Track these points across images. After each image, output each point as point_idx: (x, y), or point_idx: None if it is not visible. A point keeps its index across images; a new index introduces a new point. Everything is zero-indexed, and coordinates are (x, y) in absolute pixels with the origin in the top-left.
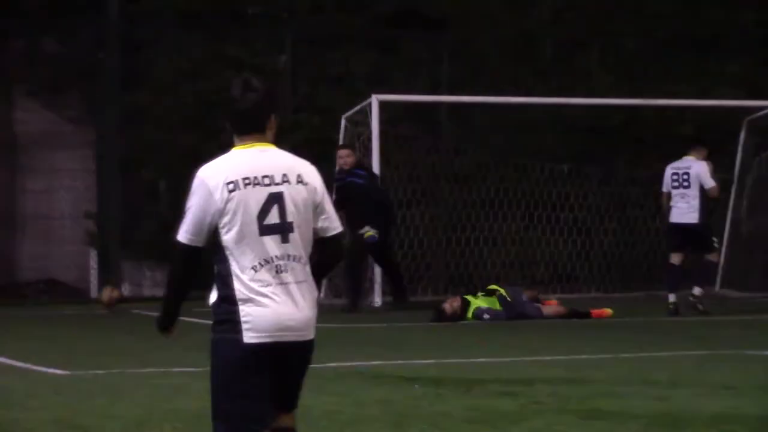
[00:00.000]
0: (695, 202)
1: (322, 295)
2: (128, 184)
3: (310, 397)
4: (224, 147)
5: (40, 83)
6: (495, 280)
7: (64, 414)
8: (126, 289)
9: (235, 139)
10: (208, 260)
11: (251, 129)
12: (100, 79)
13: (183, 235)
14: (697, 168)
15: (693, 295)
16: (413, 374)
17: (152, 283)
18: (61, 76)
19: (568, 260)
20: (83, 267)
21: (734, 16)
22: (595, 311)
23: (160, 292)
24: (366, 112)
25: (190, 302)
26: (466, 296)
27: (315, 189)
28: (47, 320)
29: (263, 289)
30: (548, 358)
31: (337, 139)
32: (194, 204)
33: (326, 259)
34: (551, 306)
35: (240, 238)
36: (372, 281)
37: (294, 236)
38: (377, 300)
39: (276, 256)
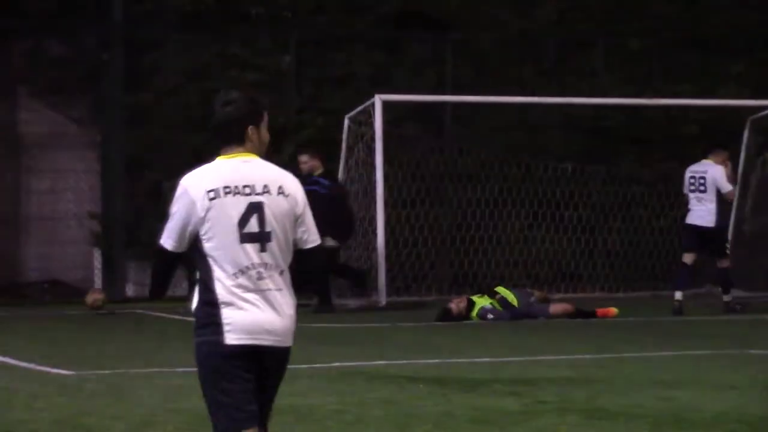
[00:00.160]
0: (711, 206)
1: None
2: (133, 184)
3: (314, 397)
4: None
5: (45, 84)
6: (499, 280)
7: (68, 414)
8: (130, 290)
9: (221, 149)
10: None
11: (230, 140)
12: (104, 80)
13: (165, 240)
14: (713, 172)
15: (726, 303)
16: (417, 374)
17: None
18: (65, 77)
19: (572, 259)
20: (87, 267)
21: (738, 16)
22: (600, 310)
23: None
24: (369, 113)
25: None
26: (471, 297)
27: (296, 201)
28: (51, 321)
29: (244, 294)
30: (552, 357)
31: (341, 140)
32: (177, 212)
33: (303, 269)
34: (559, 305)
35: (221, 246)
36: (375, 280)
37: (272, 245)
38: (381, 300)
39: (255, 264)
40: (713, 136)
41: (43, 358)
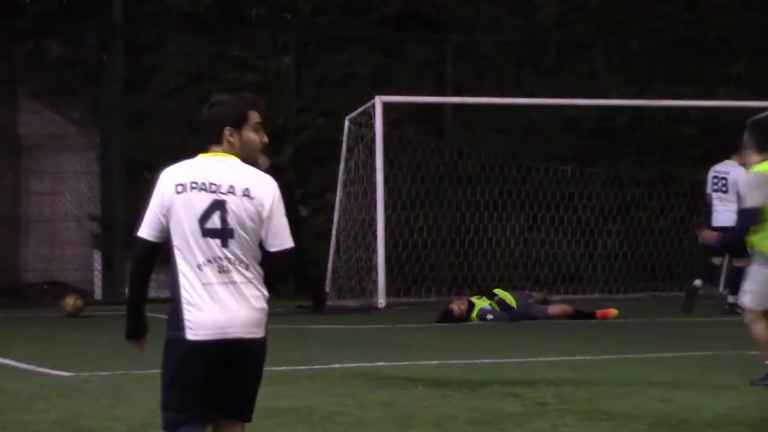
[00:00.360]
0: (733, 206)
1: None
2: (132, 185)
3: (314, 399)
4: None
5: (45, 85)
6: (499, 282)
7: (68, 416)
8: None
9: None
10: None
11: (209, 141)
12: (104, 81)
13: (141, 230)
14: (735, 173)
15: (729, 304)
16: (417, 375)
17: (156, 284)
18: (65, 79)
19: (572, 261)
20: (88, 269)
21: (738, 17)
22: (600, 312)
23: (164, 294)
24: (370, 114)
25: None
26: (470, 298)
27: (262, 204)
28: (51, 322)
29: (205, 288)
30: (552, 359)
31: (341, 141)
32: (152, 202)
33: (271, 271)
34: (558, 306)
35: (184, 238)
36: (375, 282)
37: (234, 242)
38: (381, 301)
39: (218, 257)
40: (713, 137)
41: (44, 360)
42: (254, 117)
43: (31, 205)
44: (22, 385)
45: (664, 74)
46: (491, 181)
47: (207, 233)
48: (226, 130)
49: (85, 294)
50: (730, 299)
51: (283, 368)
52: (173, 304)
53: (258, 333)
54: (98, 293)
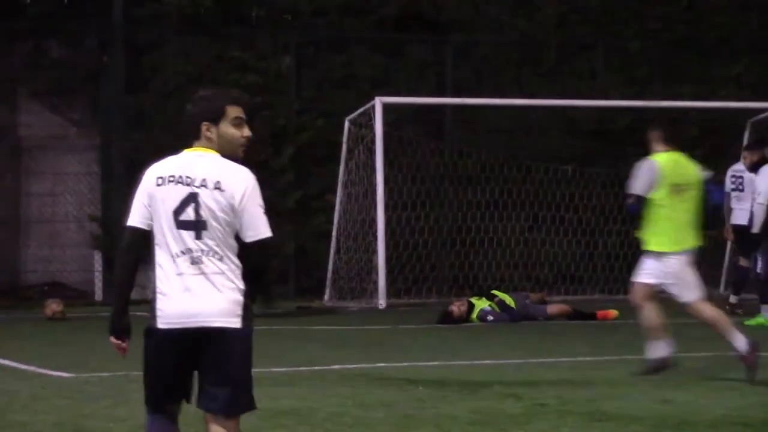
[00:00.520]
0: (748, 205)
1: (327, 297)
2: (132, 186)
3: (314, 400)
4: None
5: (45, 86)
6: (500, 282)
7: (69, 417)
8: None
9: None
10: None
11: (189, 136)
12: (104, 82)
13: (131, 219)
14: (749, 173)
15: (729, 304)
16: (417, 376)
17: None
18: (65, 80)
19: (572, 261)
20: (88, 270)
21: (738, 18)
22: (600, 312)
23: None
24: (370, 115)
25: None
26: (471, 299)
27: (233, 195)
28: (52, 323)
29: (178, 278)
30: (553, 360)
31: (341, 142)
32: (137, 194)
33: (249, 264)
34: (556, 305)
35: (161, 230)
36: (376, 283)
37: (208, 233)
38: (381, 302)
39: (192, 249)
40: (714, 138)
41: (44, 361)
42: (233, 112)
43: (32, 206)
44: (23, 386)
45: (664, 75)
46: (491, 181)
47: (181, 225)
48: (204, 125)
49: (86, 295)
50: (732, 299)
51: (284, 369)
52: (152, 294)
53: (231, 323)
54: (98, 294)
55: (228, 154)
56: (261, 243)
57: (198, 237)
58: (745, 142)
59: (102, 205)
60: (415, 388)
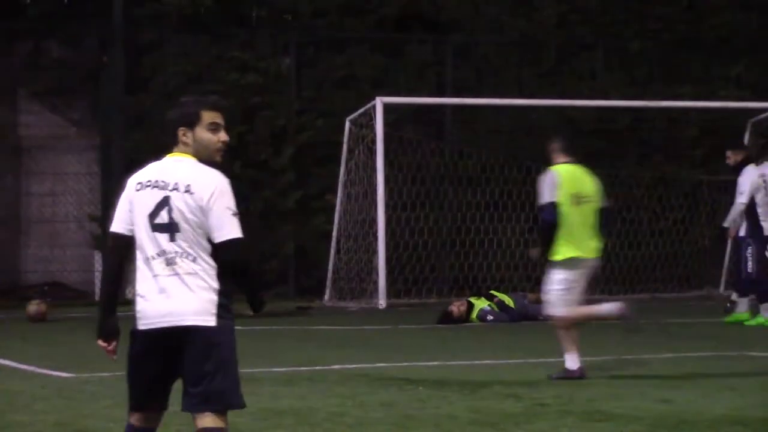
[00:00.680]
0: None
1: (327, 297)
2: None
3: (314, 400)
4: (227, 150)
5: (45, 86)
6: (500, 282)
7: (68, 417)
8: (130, 292)
9: None
10: None
11: (170, 141)
12: (104, 82)
13: (114, 225)
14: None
15: (731, 301)
16: (418, 376)
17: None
18: (65, 80)
19: None
20: (88, 269)
21: (738, 18)
22: None
23: None
24: (370, 115)
25: None
26: (470, 299)
27: (202, 197)
28: (52, 323)
29: (154, 280)
30: (552, 359)
31: (342, 142)
32: (120, 201)
33: (221, 265)
34: None
35: (139, 233)
36: (376, 283)
37: (181, 235)
38: (381, 302)
39: (166, 251)
40: (714, 138)
41: (44, 361)
42: (209, 117)
43: (32, 206)
44: (23, 386)
45: (663, 75)
46: (491, 181)
47: (156, 228)
48: (180, 131)
49: (86, 295)
50: (734, 297)
51: (283, 369)
52: (134, 296)
53: (205, 322)
54: (98, 294)
55: (204, 158)
56: (228, 244)
57: (172, 239)
58: (746, 142)
59: (102, 205)
60: (415, 388)
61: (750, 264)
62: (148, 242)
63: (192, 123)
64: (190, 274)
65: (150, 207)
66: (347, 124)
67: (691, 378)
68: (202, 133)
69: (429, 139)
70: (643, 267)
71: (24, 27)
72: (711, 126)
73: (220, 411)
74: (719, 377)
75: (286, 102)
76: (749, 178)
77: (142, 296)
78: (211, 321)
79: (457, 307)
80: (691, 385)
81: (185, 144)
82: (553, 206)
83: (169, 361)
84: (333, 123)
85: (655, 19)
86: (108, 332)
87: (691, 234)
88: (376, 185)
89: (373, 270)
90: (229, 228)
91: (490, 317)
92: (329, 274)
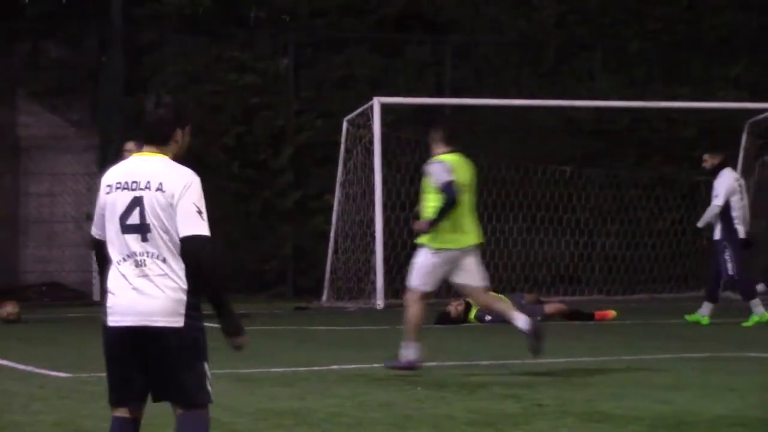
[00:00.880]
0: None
1: (325, 298)
2: None
3: (312, 400)
4: (226, 150)
5: (44, 86)
6: (498, 283)
7: (66, 417)
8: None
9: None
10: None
11: (151, 140)
12: (103, 82)
13: (92, 229)
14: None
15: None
16: (416, 377)
17: None
18: (65, 80)
19: (570, 262)
20: (86, 270)
21: (737, 19)
22: (598, 313)
23: None
24: (368, 115)
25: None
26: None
27: (172, 195)
28: (50, 323)
29: (124, 280)
30: (551, 360)
31: (340, 142)
32: (97, 202)
33: (185, 261)
34: (553, 304)
35: (110, 234)
36: (374, 283)
37: (152, 236)
38: (379, 302)
39: (136, 252)
40: (712, 139)
41: (42, 361)
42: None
43: (30, 206)
44: (21, 386)
45: (663, 76)
46: (489, 182)
47: (127, 229)
48: (178, 131)
49: (84, 295)
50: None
51: (282, 369)
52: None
53: (173, 322)
54: (97, 294)
55: (180, 157)
56: (190, 239)
57: (144, 239)
58: (744, 143)
59: None
60: (413, 388)
61: (730, 266)
62: (118, 244)
63: (185, 125)
64: (159, 275)
65: (121, 209)
66: (345, 125)
67: (691, 378)
68: (187, 135)
69: (427, 139)
70: (641, 268)
71: (23, 27)
72: (710, 127)
73: (187, 407)
74: (719, 377)
75: (285, 102)
76: (725, 182)
77: (112, 293)
78: (179, 322)
79: (455, 308)
80: (691, 386)
81: (177, 143)
82: (453, 183)
83: (139, 357)
84: (332, 123)
85: (654, 20)
86: None
87: (690, 234)
88: (374, 185)
89: (371, 270)
90: (192, 225)
91: (488, 317)
92: (327, 275)
